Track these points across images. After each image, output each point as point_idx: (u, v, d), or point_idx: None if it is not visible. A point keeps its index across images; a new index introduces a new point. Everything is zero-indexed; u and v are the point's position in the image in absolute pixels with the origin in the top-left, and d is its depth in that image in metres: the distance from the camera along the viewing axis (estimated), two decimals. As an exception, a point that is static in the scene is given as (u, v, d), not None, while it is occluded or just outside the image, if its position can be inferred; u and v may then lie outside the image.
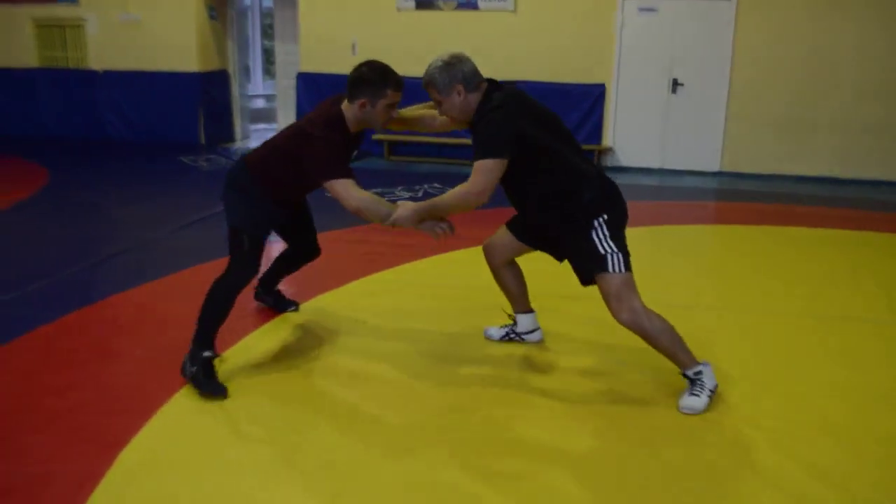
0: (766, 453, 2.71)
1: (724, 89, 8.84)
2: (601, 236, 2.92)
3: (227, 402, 3.06)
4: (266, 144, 3.42)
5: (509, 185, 3.07)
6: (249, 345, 3.61)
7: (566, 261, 3.22)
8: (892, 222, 6.53)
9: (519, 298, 3.56)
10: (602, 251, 2.92)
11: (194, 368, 3.14)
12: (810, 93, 8.65)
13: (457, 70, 2.95)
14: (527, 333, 3.63)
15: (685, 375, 3.02)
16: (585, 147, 9.06)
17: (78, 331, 3.79)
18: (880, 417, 3.01)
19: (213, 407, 3.02)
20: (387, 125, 3.36)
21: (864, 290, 4.58)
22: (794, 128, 8.77)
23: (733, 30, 8.67)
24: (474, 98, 2.98)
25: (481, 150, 2.88)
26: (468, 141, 3.27)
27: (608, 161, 9.34)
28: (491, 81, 3.04)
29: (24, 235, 5.76)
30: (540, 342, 3.64)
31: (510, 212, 3.34)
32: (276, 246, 4.27)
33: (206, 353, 3.17)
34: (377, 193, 6.91)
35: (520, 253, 3.41)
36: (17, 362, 3.40)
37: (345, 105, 3.26)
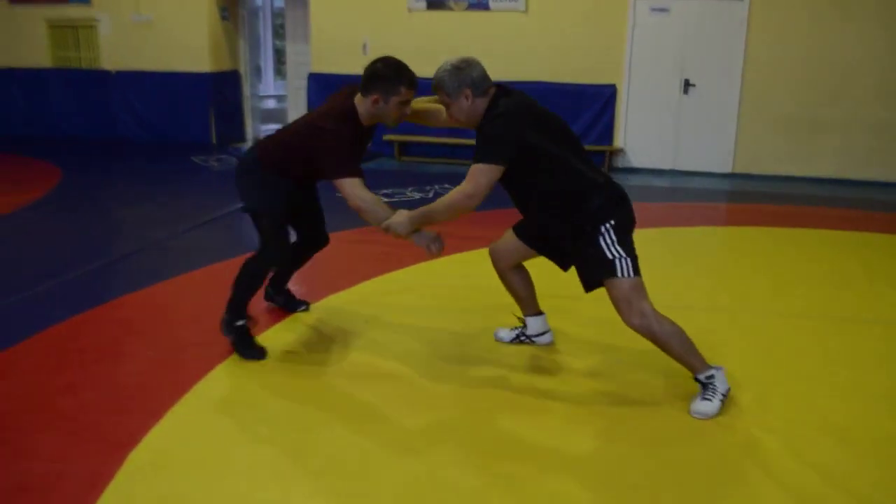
0: (775, 455, 2.69)
1: (737, 90, 8.79)
2: (609, 241, 2.91)
3: (236, 402, 3.08)
4: (278, 135, 3.47)
5: (515, 193, 3.09)
6: (262, 340, 3.59)
7: (567, 266, 3.23)
8: (907, 224, 6.48)
9: (527, 301, 3.55)
10: (610, 256, 2.91)
11: (232, 336, 3.43)
12: (824, 94, 8.59)
13: (465, 74, 2.96)
14: (537, 336, 3.62)
15: (697, 379, 3.00)
16: (596, 148, 9.05)
17: (89, 330, 3.80)
18: (891, 419, 2.98)
19: (222, 406, 3.03)
20: (399, 122, 3.36)
21: (877, 292, 4.54)
22: (808, 129, 8.72)
23: (746, 30, 8.62)
24: (482, 103, 2.98)
25: (478, 154, 2.89)
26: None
27: (619, 162, 9.31)
28: (499, 86, 3.04)
29: (37, 235, 5.80)
30: (550, 344, 3.63)
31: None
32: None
33: (239, 322, 3.43)
34: (387, 194, 6.99)
35: (526, 257, 3.40)
36: (29, 361, 3.42)
37: (358, 99, 3.28)
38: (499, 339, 3.69)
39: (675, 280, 4.70)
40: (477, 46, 9.21)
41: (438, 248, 3.13)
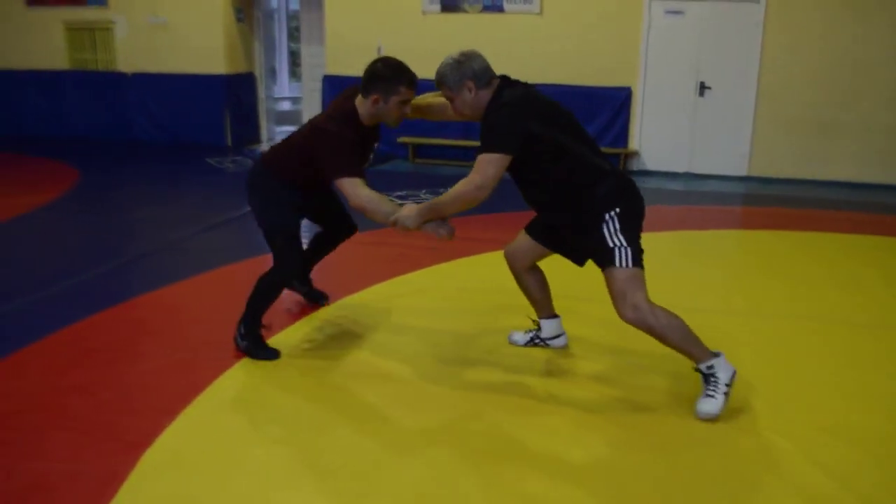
0: (789, 460, 2.66)
1: (752, 92, 8.74)
2: (612, 229, 2.88)
3: (249, 402, 3.09)
4: (283, 142, 3.52)
5: (522, 183, 3.07)
6: (276, 341, 3.62)
7: (582, 262, 3.21)
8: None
9: (542, 304, 3.54)
10: (610, 244, 2.87)
11: (245, 343, 3.46)
12: (841, 96, 8.53)
13: (467, 67, 2.95)
14: (551, 339, 3.60)
15: (698, 370, 2.95)
16: (611, 151, 9.02)
17: (104, 330, 3.83)
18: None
19: (235, 407, 3.03)
20: (400, 121, 3.38)
21: (893, 297, 4.50)
22: (824, 132, 8.65)
23: (761, 32, 8.57)
24: (485, 94, 2.98)
25: (484, 144, 2.87)
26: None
27: (634, 165, 9.27)
28: (504, 78, 3.03)
29: (54, 235, 5.84)
30: (564, 347, 3.62)
31: (533, 214, 3.32)
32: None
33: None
34: (401, 196, 6.99)
35: (541, 256, 3.38)
36: (44, 361, 3.44)
37: (358, 100, 3.31)
38: (513, 342, 3.68)
39: (690, 283, 4.67)
40: (491, 48, 9.16)
41: (447, 231, 3.08)
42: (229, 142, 10.53)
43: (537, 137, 2.85)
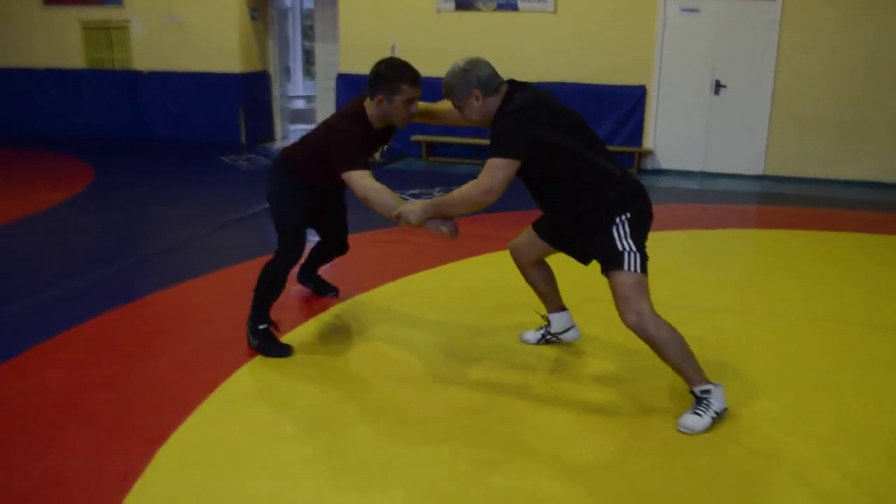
0: (801, 459, 2.65)
1: (768, 91, 8.68)
2: (621, 233, 2.87)
3: (263, 399, 3.10)
4: (301, 140, 3.63)
5: (532, 188, 3.08)
6: (290, 338, 3.63)
7: (587, 261, 3.21)
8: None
9: (550, 297, 3.54)
10: (620, 248, 2.86)
11: (256, 341, 3.48)
12: (857, 94, 8.45)
13: (472, 75, 2.96)
14: (562, 333, 3.60)
15: (692, 392, 2.90)
16: (626, 149, 9.00)
17: (120, 327, 3.85)
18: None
19: (250, 403, 3.05)
20: (409, 121, 3.42)
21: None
22: (841, 130, 8.59)
23: (777, 30, 8.52)
24: (493, 101, 2.98)
25: (493, 149, 2.87)
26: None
27: (649, 164, 9.23)
28: (512, 83, 3.03)
29: (70, 232, 5.89)
30: (577, 339, 3.62)
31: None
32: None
33: (262, 326, 3.50)
34: (415, 194, 6.99)
35: (546, 254, 3.39)
36: (60, 357, 3.47)
37: (367, 102, 3.39)
38: (525, 342, 3.67)
39: (705, 282, 4.65)
40: (505, 47, 9.22)
41: (451, 229, 3.08)
42: (244, 140, 10.57)
43: (545, 142, 2.85)
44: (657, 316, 2.85)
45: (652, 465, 2.64)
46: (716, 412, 2.85)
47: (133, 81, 10.73)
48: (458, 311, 4.12)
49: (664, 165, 9.20)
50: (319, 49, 11.27)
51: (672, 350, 2.85)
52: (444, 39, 9.29)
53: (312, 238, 3.89)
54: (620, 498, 2.45)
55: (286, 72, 11.76)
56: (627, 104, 9.08)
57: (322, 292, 4.25)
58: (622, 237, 2.87)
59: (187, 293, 4.39)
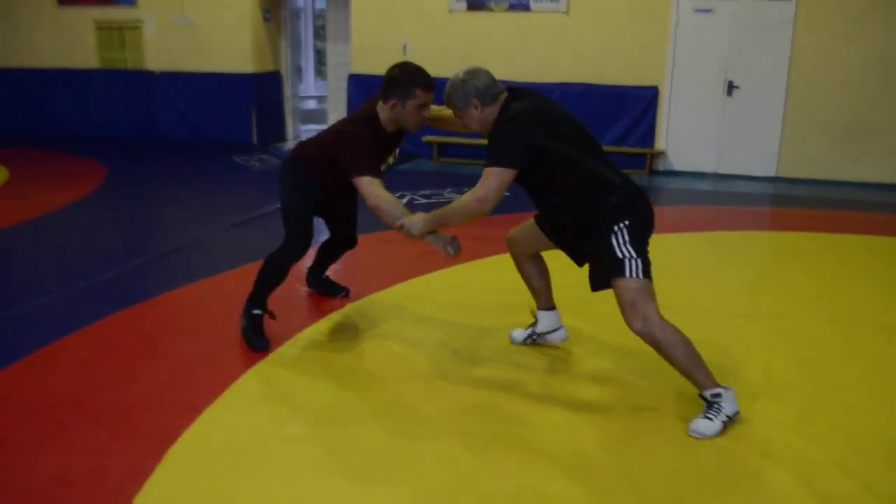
0: (810, 461, 2.62)
1: (782, 92, 8.63)
2: (621, 241, 2.86)
3: (273, 399, 3.11)
4: (313, 140, 3.66)
5: (532, 194, 3.10)
6: (299, 339, 3.65)
7: (582, 262, 3.21)
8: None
9: (541, 293, 3.52)
10: (620, 255, 2.85)
11: (244, 323, 3.54)
12: (872, 96, 8.39)
13: (470, 86, 2.98)
14: (549, 333, 3.58)
15: (702, 396, 2.87)
16: (638, 150, 8.97)
17: (131, 327, 3.87)
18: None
19: (259, 403, 3.06)
20: (420, 126, 3.46)
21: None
22: (855, 132, 8.52)
23: (791, 31, 8.46)
24: (491, 111, 2.99)
25: (489, 158, 2.89)
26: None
27: (661, 165, 9.19)
28: (512, 91, 3.04)
29: (82, 232, 5.91)
30: (564, 341, 3.60)
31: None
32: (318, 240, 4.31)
33: (256, 311, 3.56)
34: (426, 195, 7.00)
35: (543, 248, 3.38)
36: (71, 357, 3.48)
37: (379, 106, 3.42)
38: (512, 341, 3.67)
39: (718, 285, 4.62)
40: (517, 47, 9.21)
41: (455, 249, 3.13)
42: (255, 140, 10.60)
43: (542, 150, 2.85)
44: (663, 320, 2.84)
45: (654, 465, 2.63)
46: (727, 416, 2.83)
47: (146, 81, 10.78)
48: (465, 311, 4.11)
49: (676, 167, 9.16)
50: (331, 49, 11.29)
51: (679, 354, 2.83)
52: (456, 40, 9.28)
53: (317, 239, 3.90)
54: (622, 497, 2.44)
55: (298, 72, 11.78)
56: (640, 105, 9.04)
57: (332, 293, 4.25)
58: (621, 245, 2.86)
59: (198, 293, 4.39)
